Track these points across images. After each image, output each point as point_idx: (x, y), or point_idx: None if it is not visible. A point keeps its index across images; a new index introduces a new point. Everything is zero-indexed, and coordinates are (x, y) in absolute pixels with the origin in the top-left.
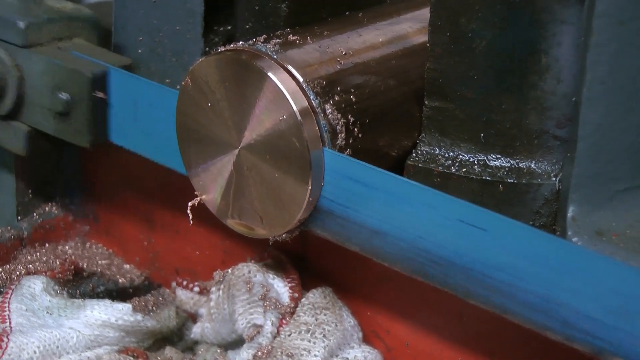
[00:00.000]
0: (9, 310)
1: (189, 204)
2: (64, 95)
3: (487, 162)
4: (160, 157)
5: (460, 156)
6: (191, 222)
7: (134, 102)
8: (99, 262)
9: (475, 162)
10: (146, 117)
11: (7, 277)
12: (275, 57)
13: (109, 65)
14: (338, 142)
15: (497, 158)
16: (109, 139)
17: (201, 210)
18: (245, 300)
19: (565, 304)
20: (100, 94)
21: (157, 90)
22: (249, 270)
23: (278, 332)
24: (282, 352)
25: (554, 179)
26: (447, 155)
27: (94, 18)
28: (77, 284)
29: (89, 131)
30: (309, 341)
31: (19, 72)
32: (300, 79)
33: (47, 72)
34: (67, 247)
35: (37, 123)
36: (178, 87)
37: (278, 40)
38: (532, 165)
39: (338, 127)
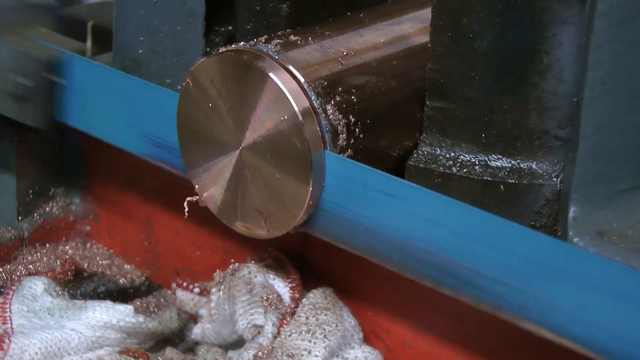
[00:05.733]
0: (10, 312)
1: (187, 199)
2: (22, 80)
3: (488, 162)
4: (113, 137)
5: (462, 156)
6: (186, 215)
7: (85, 85)
8: (100, 262)
9: (477, 162)
10: (96, 99)
11: (7, 278)
12: (276, 57)
13: (63, 49)
14: (339, 142)
15: (498, 158)
16: (65, 121)
17: (201, 211)
18: (245, 300)
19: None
20: (54, 77)
21: (109, 74)
22: (250, 271)
23: (279, 332)
24: (282, 353)
25: (555, 179)
26: (448, 156)
27: (55, 6)
28: (77, 284)
29: (44, 114)
30: (310, 341)
31: None
32: (302, 80)
33: (6, 58)
34: (67, 248)
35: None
36: (179, 87)
37: (279, 40)
38: (533, 166)
39: (339, 127)
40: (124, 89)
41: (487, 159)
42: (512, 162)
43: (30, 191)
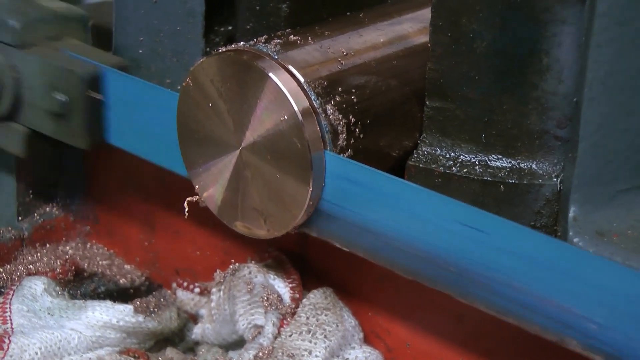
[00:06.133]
0: (10, 312)
1: (187, 199)
2: (60, 96)
3: (488, 162)
4: (157, 157)
5: (461, 157)
6: (186, 215)
7: (128, 103)
8: (100, 262)
9: (476, 162)
10: (142, 118)
11: (7, 278)
12: (276, 57)
13: (102, 65)
14: (339, 142)
15: (498, 158)
16: (107, 140)
17: (202, 211)
18: (246, 301)
19: (563, 306)
20: (95, 94)
21: (151, 90)
22: (250, 271)
23: (279, 332)
24: (283, 353)
25: (555, 179)
26: (448, 156)
27: (86, 17)
28: (78, 284)
29: (86, 132)
30: (310, 342)
31: (15, 73)
32: (302, 80)
33: (42, 72)
34: (67, 248)
35: (35, 124)
36: (179, 87)
37: (279, 40)
38: (533, 166)
39: (339, 127)
40: (162, 105)
41: (487, 159)
42: (512, 162)
43: (30, 191)
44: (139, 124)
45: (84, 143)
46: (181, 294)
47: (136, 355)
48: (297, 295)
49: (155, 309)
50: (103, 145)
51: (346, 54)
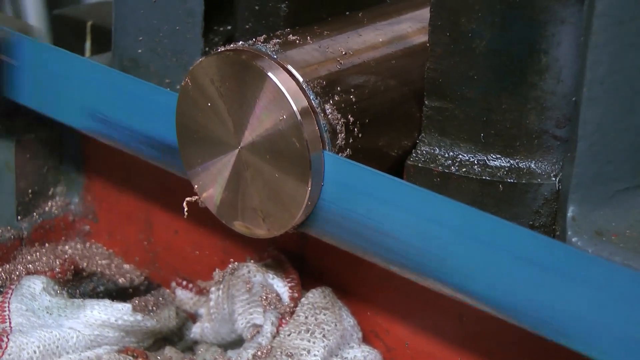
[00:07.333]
0: (9, 310)
1: (186, 199)
2: None
3: (487, 162)
4: (48, 110)
5: (460, 156)
6: (185, 215)
7: (25, 62)
8: (99, 262)
9: (475, 162)
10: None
11: (6, 277)
12: (275, 57)
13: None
14: (338, 142)
15: (496, 158)
16: (14, 98)
17: (201, 210)
18: (244, 300)
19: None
20: (4, 57)
21: (53, 53)
22: (249, 270)
23: (278, 332)
24: (281, 352)
25: (553, 178)
26: (447, 155)
27: None
28: (77, 284)
29: None
30: (309, 341)
31: None
32: (300, 79)
33: None
34: (67, 247)
35: None
36: (178, 87)
37: (278, 40)
38: (532, 165)
39: (338, 127)
40: (68, 68)
41: (485, 158)
42: (511, 161)
43: (30, 191)
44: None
45: None
46: (180, 293)
47: (135, 354)
48: (296, 295)
49: (154, 308)
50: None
51: (345, 54)
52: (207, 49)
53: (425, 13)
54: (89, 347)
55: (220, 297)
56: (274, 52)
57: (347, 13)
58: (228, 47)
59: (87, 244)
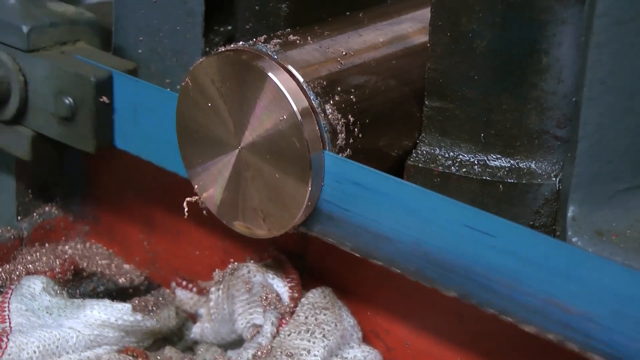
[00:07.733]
0: (9, 310)
1: (187, 199)
2: (68, 100)
3: (487, 162)
4: (162, 160)
5: (461, 156)
6: (186, 215)
7: (135, 106)
8: (99, 262)
9: (476, 162)
10: (147, 121)
11: (7, 277)
12: (275, 57)
13: (112, 69)
14: (338, 142)
15: (497, 158)
16: (112, 143)
17: (201, 211)
18: (244, 300)
19: (562, 306)
20: (104, 99)
21: (158, 94)
22: (249, 270)
23: (278, 332)
24: (281, 352)
25: (554, 179)
26: (447, 156)
27: (96, 21)
28: (77, 284)
29: (93, 136)
30: (309, 341)
31: (23, 77)
32: (301, 79)
33: (51, 76)
34: (67, 247)
35: (41, 128)
36: (178, 87)
37: (278, 40)
38: (532, 165)
39: (338, 127)
40: (169, 108)
41: (486, 158)
42: (511, 161)
43: (30, 191)
44: (145, 128)
45: (91, 147)
46: (180, 293)
47: (135, 354)
48: (296, 295)
49: (154, 308)
50: (104, 147)
51: (345, 54)
52: (207, 49)
53: (425, 13)
54: (89, 347)
55: (220, 297)
56: (274, 52)
57: (348, 13)
58: (228, 47)
59: (87, 244)
